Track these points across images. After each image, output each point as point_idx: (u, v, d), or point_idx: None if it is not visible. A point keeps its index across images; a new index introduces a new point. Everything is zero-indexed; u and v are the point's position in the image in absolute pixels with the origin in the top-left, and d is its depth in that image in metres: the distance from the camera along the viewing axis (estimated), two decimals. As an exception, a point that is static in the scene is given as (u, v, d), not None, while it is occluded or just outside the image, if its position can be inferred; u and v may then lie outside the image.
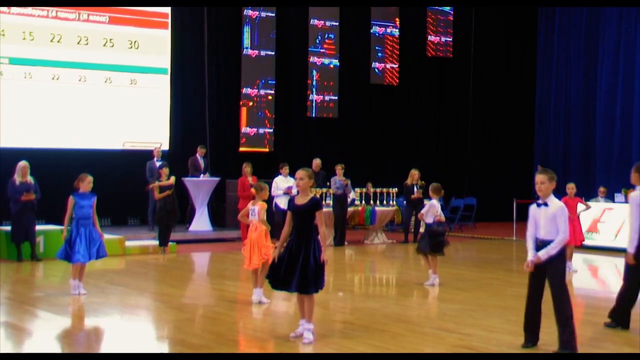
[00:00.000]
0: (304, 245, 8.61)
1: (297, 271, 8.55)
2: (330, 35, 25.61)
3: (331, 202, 19.48)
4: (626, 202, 20.52)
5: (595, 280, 15.86)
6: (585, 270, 16.37)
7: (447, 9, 28.00)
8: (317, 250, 8.65)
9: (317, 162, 20.46)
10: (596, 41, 27.33)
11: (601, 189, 20.26)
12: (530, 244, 8.53)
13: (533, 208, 8.55)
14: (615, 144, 26.47)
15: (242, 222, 13.82)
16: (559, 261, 8.41)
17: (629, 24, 26.40)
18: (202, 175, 20.82)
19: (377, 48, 26.63)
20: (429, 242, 13.20)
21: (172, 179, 17.60)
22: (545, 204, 8.40)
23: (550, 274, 8.38)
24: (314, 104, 25.36)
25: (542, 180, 8.38)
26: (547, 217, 8.37)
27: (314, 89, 25.31)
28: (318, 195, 11.21)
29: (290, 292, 8.94)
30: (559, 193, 15.75)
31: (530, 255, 8.44)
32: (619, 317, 9.74)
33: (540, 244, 8.40)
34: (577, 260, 15.95)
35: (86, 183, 12.06)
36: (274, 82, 24.51)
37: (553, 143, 28.53)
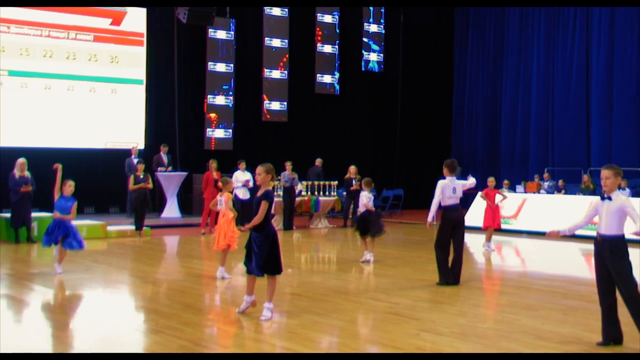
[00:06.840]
0: (262, 234, 8.31)
1: (262, 258, 8.26)
2: (281, 52, 25.61)
3: (282, 194, 19.50)
4: (525, 192, 20.94)
5: (514, 257, 16.08)
6: (499, 249, 16.55)
7: (379, 30, 28.14)
8: (273, 237, 8.38)
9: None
10: (501, 57, 27.83)
11: (505, 181, 20.48)
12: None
13: (597, 201, 7.29)
14: (517, 144, 27.00)
15: (211, 209, 13.81)
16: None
17: (527, 43, 26.88)
18: (165, 169, 20.77)
19: (320, 63, 26.69)
20: (374, 226, 13.23)
21: (150, 184, 17.64)
22: (609, 198, 7.14)
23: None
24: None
25: (607, 176, 7.12)
26: (609, 212, 7.12)
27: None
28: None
29: (260, 277, 8.45)
30: (482, 186, 16.07)
31: (561, 227, 7.63)
32: None
33: (600, 239, 7.16)
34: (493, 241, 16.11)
35: (67, 186, 11.63)
36: (233, 91, 24.43)
37: (466, 143, 28.92)
